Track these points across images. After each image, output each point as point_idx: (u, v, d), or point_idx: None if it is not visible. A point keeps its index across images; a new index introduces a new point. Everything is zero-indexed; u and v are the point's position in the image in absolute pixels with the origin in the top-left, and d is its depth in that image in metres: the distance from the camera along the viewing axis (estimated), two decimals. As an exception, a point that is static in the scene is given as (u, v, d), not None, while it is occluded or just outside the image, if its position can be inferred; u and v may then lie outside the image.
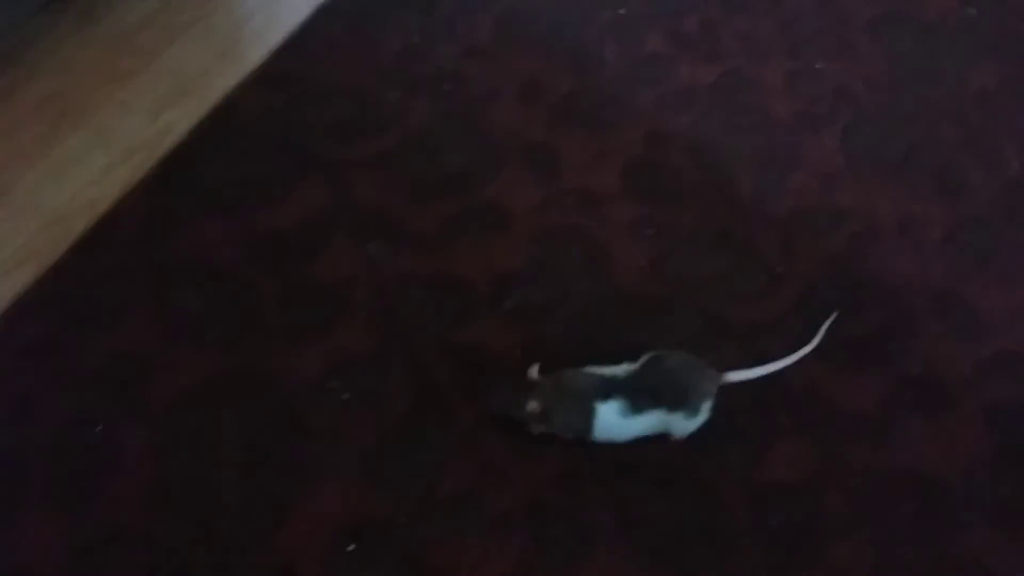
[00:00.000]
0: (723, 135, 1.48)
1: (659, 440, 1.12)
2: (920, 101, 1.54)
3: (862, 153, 1.46)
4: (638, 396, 1.05)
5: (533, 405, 1.07)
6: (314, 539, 1.05)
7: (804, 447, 1.13)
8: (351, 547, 1.05)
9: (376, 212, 1.37)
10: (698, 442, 1.12)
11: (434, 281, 1.29)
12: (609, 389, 1.06)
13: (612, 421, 1.06)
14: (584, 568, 1.04)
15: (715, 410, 1.10)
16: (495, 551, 1.05)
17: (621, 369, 1.09)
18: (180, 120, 1.49)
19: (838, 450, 1.13)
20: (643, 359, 1.09)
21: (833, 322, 1.22)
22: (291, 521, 1.07)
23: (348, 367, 1.20)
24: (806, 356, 1.16)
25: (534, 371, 1.13)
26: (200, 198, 1.39)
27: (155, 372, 1.20)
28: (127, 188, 1.40)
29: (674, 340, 1.18)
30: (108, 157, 1.44)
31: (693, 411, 1.07)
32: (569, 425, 1.08)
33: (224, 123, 1.49)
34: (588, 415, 1.06)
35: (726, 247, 1.33)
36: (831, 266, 1.31)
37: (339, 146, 1.45)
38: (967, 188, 1.43)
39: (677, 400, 1.06)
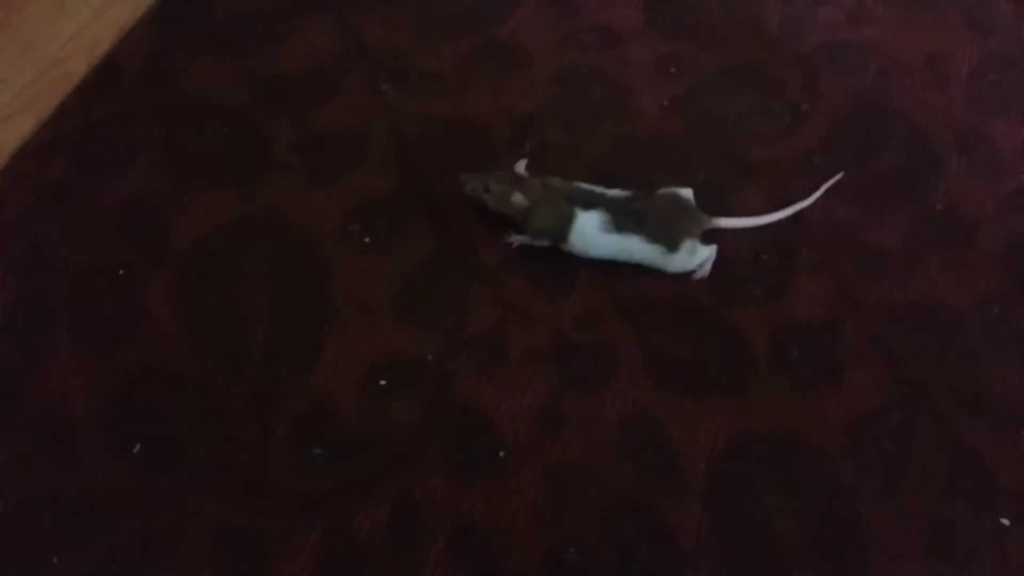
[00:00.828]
0: (749, -33, 1.41)
1: (681, 279, 1.13)
2: (952, -69, 1.47)
3: (891, -14, 1.40)
4: (621, 216, 1.07)
5: (519, 198, 1.08)
6: (346, 376, 1.07)
7: (825, 282, 1.14)
8: (382, 383, 1.07)
9: (388, 51, 1.32)
10: (720, 279, 1.13)
11: (452, 122, 1.26)
12: (594, 201, 1.08)
13: (591, 232, 1.08)
14: (608, 401, 1.07)
15: (722, 255, 1.12)
16: (522, 385, 1.07)
17: (613, 192, 1.10)
18: (174, -45, 1.41)
19: (858, 285, 1.14)
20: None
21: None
22: (322, 359, 1.08)
23: (368, 211, 1.19)
24: (830, 191, 1.16)
25: (521, 166, 1.13)
26: (202, 38, 1.33)
27: (171, 216, 1.19)
28: (125, 28, 1.34)
29: (696, 181, 1.17)
30: (101, -4, 1.37)
31: (672, 247, 1.08)
32: (545, 226, 1.10)
33: (221, -42, 1.41)
34: (568, 219, 1.08)
35: (751, 85, 1.29)
36: (857, 103, 1.28)
37: (345, -19, 1.38)
38: (995, 24, 1.38)
39: (657, 231, 1.08)
